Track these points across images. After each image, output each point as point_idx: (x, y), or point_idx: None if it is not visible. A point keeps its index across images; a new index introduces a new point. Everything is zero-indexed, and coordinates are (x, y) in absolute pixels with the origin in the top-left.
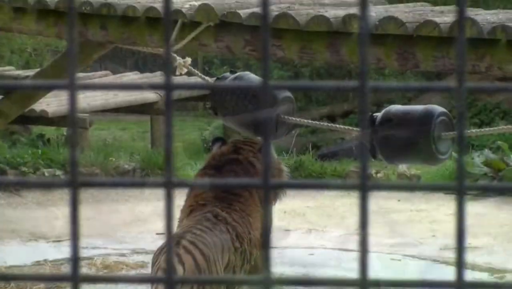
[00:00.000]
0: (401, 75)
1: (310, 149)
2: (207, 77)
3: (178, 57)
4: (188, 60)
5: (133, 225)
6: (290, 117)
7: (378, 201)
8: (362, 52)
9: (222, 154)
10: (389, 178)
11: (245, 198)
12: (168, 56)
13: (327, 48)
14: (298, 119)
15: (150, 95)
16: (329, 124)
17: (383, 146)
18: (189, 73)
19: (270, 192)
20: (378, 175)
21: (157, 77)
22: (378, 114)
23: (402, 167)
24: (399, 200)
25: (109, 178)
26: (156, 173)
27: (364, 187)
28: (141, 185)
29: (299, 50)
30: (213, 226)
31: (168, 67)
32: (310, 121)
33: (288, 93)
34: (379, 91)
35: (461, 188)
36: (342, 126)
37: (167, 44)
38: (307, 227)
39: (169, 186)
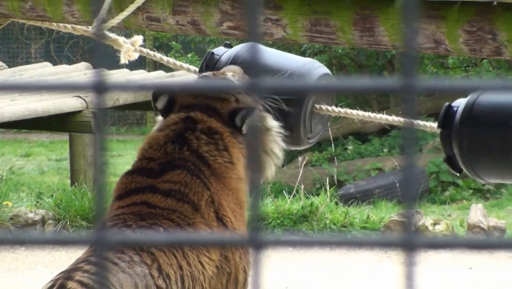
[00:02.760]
0: (474, 67)
1: (328, 187)
2: (178, 62)
3: (121, 38)
4: (139, 39)
5: None
6: (329, 108)
7: (440, 268)
8: (409, 30)
9: (166, 138)
10: (454, 232)
11: (182, 213)
12: (100, 38)
13: (354, 24)
14: (342, 109)
15: (70, 102)
16: (384, 116)
17: (466, 151)
18: (132, 65)
19: (260, 251)
20: (437, 227)
21: (80, 71)
22: (459, 104)
23: (476, 214)
24: (470, 268)
25: (4, 233)
26: (79, 224)
27: (410, 244)
28: (58, 242)
29: (309, 27)
30: (118, 256)
31: (98, 55)
32: (360, 112)
33: (325, 69)
34: (437, 93)
35: None
36: (393, 117)
37: (97, 19)
38: None
39: (102, 244)
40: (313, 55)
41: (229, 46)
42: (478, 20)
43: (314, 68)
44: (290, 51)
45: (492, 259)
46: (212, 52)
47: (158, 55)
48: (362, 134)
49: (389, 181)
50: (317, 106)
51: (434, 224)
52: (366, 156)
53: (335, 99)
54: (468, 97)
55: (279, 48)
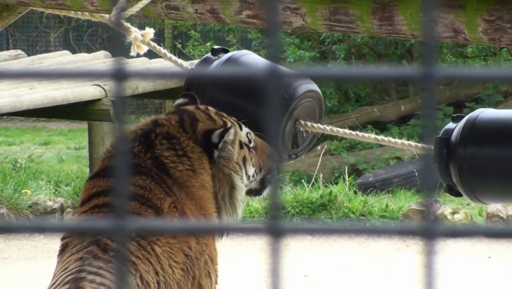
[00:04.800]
0: (493, 56)
1: (346, 175)
2: (180, 60)
3: (133, 28)
4: (150, 32)
5: None
6: (314, 124)
7: (458, 257)
8: (428, 19)
9: (133, 134)
10: (473, 221)
11: (147, 218)
12: (117, 26)
13: (373, 13)
14: (327, 126)
15: (89, 90)
16: (376, 137)
17: (466, 174)
18: (151, 53)
19: (279, 240)
20: (456, 216)
21: (99, 60)
22: (457, 124)
23: (495, 205)
24: (489, 257)
25: (23, 221)
26: None
27: (429, 233)
28: (76, 230)
29: (328, 16)
30: (107, 265)
31: (117, 44)
32: (347, 131)
33: (312, 85)
34: (456, 83)
35: None
36: (394, 140)
37: (117, 7)
38: None
39: (123, 231)
40: (332, 44)
41: (223, 51)
42: (497, 9)
43: (302, 83)
44: (309, 40)
45: (511, 248)
46: (204, 59)
47: (163, 51)
48: (380, 123)
49: (408, 170)
50: (302, 122)
51: (453, 213)
52: (385, 144)
53: (323, 115)
54: (468, 116)
55: (299, 37)
